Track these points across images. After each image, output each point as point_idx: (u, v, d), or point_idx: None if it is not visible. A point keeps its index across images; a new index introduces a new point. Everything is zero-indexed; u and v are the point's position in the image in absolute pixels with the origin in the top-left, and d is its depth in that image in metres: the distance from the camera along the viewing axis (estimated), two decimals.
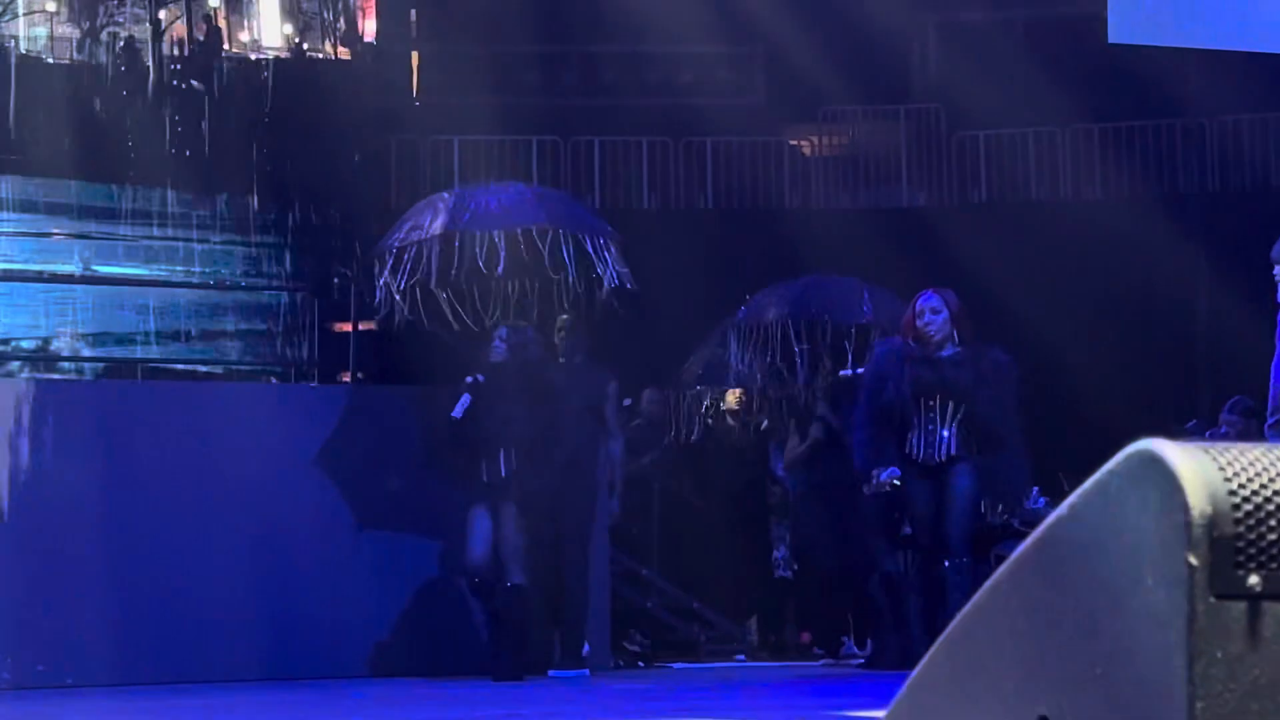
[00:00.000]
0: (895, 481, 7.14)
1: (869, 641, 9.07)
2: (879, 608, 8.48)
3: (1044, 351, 12.97)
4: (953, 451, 7.01)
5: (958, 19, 16.45)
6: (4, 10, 16.95)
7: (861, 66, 15.69)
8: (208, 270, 16.15)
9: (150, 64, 16.66)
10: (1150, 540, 1.11)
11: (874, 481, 7.23)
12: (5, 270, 15.75)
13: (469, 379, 7.68)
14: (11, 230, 15.86)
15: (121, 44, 16.89)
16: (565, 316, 8.21)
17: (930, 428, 7.00)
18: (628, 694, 7.21)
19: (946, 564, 7.02)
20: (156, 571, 7.61)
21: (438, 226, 8.11)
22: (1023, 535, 9.09)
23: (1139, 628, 1.11)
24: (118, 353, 15.87)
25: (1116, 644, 1.12)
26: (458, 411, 7.51)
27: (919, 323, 7.18)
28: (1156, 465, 1.11)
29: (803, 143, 16.61)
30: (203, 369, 15.69)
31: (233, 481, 7.76)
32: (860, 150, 16.34)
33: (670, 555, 10.29)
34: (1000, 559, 10.11)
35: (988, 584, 1.26)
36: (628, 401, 9.74)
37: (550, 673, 7.80)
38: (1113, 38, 8.82)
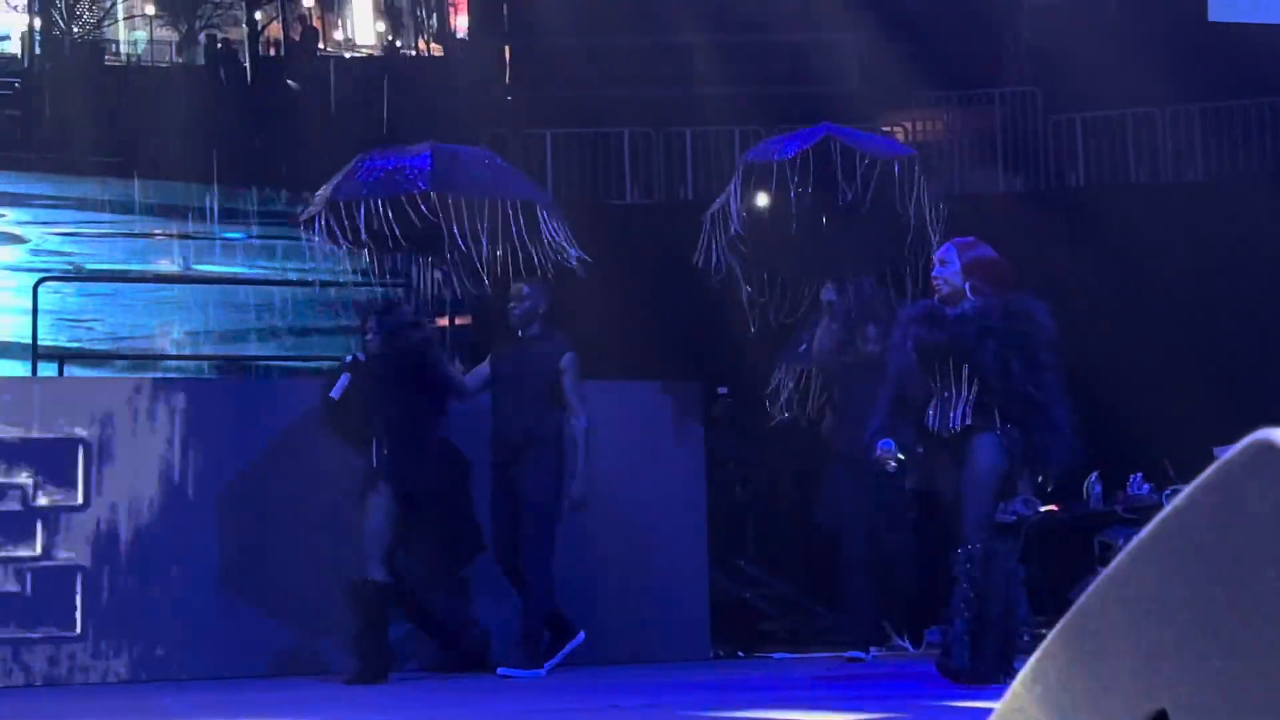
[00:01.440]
0: (894, 459, 6.41)
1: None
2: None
3: (1147, 335, 12.79)
4: (967, 420, 6.12)
5: (1052, 0, 16.24)
6: (104, 15, 17.26)
7: (954, 51, 15.53)
8: (304, 267, 16.34)
9: (247, 64, 16.88)
10: (1270, 531, 1.09)
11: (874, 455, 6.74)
12: (109, 270, 16.05)
13: (348, 358, 7.39)
14: (115, 231, 16.16)
15: (219, 45, 17.13)
16: (519, 286, 7.75)
17: (946, 394, 6.15)
18: (726, 685, 7.19)
19: (958, 551, 6.25)
20: (261, 565, 7.71)
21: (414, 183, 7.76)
22: (1127, 522, 8.91)
23: (1259, 620, 1.09)
24: (217, 350, 16.10)
25: (1236, 637, 1.10)
26: (335, 391, 7.17)
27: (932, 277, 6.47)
28: (1277, 454, 1.09)
29: (896, 129, 16.49)
30: (298, 365, 15.88)
31: (334, 476, 7.84)
32: (954, 136, 16.19)
33: (768, 545, 10.27)
34: (1105, 546, 10.00)
35: (1104, 574, 1.24)
36: (723, 390, 9.67)
37: (499, 670, 7.33)
38: (1213, 16, 8.67)
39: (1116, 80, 14.88)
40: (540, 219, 7.99)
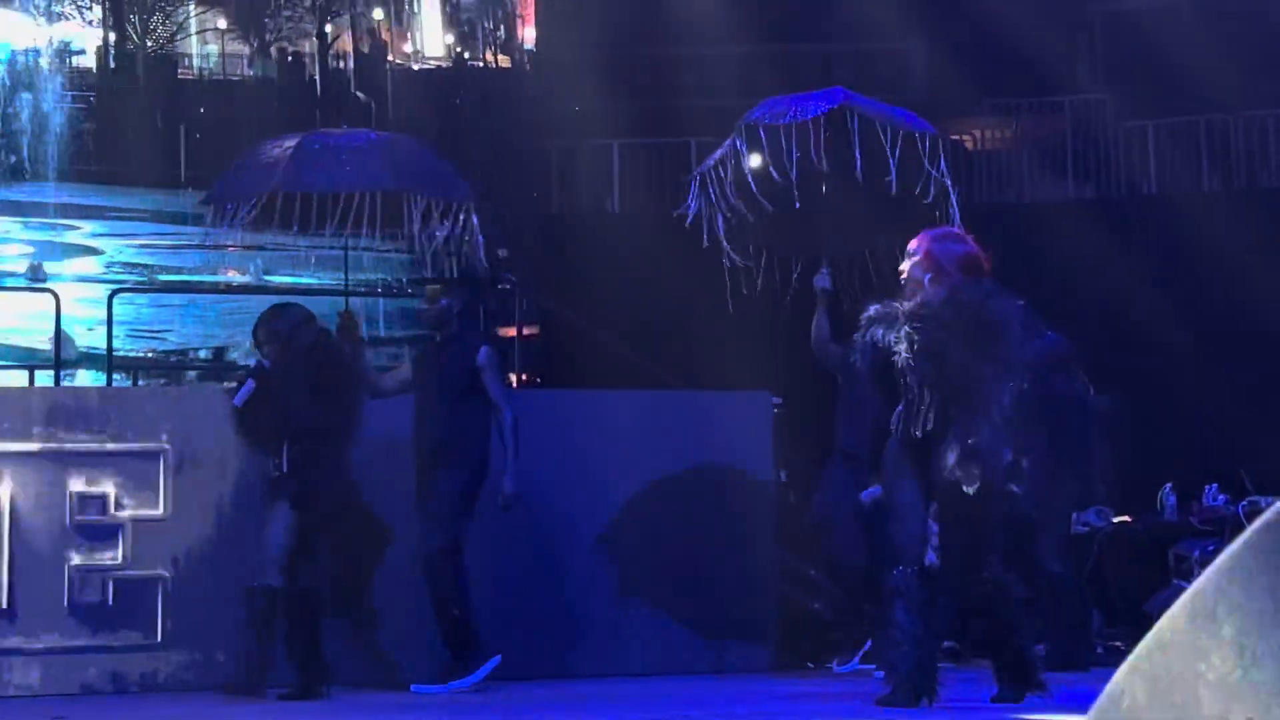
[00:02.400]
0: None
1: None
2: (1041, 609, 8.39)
3: (1223, 345, 12.64)
4: (928, 426, 5.65)
5: (1122, 6, 16.11)
6: (177, 30, 17.47)
7: (1023, 58, 15.45)
8: (375, 278, 16.45)
9: (317, 77, 17.04)
10: None
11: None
12: (184, 282, 16.23)
13: (254, 363, 7.07)
14: (187, 243, 16.35)
15: (289, 59, 17.32)
16: (434, 287, 7.50)
17: (910, 396, 5.67)
18: (794, 695, 7.17)
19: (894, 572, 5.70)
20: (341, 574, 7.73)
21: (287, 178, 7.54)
22: (1202, 534, 8.75)
23: None
24: None
25: None
26: (239, 398, 6.88)
27: None
28: None
29: (965, 138, 16.41)
30: None
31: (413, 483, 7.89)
32: (1023, 144, 16.08)
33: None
34: (1180, 558, 9.87)
35: (1190, 588, 1.23)
36: (777, 400, 9.61)
37: (412, 687, 7.04)
38: None
39: (1189, 86, 14.74)
40: (458, 216, 7.80)
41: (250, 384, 6.86)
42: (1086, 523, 10.12)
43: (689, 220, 7.95)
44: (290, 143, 7.74)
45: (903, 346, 5.54)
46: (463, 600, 7.09)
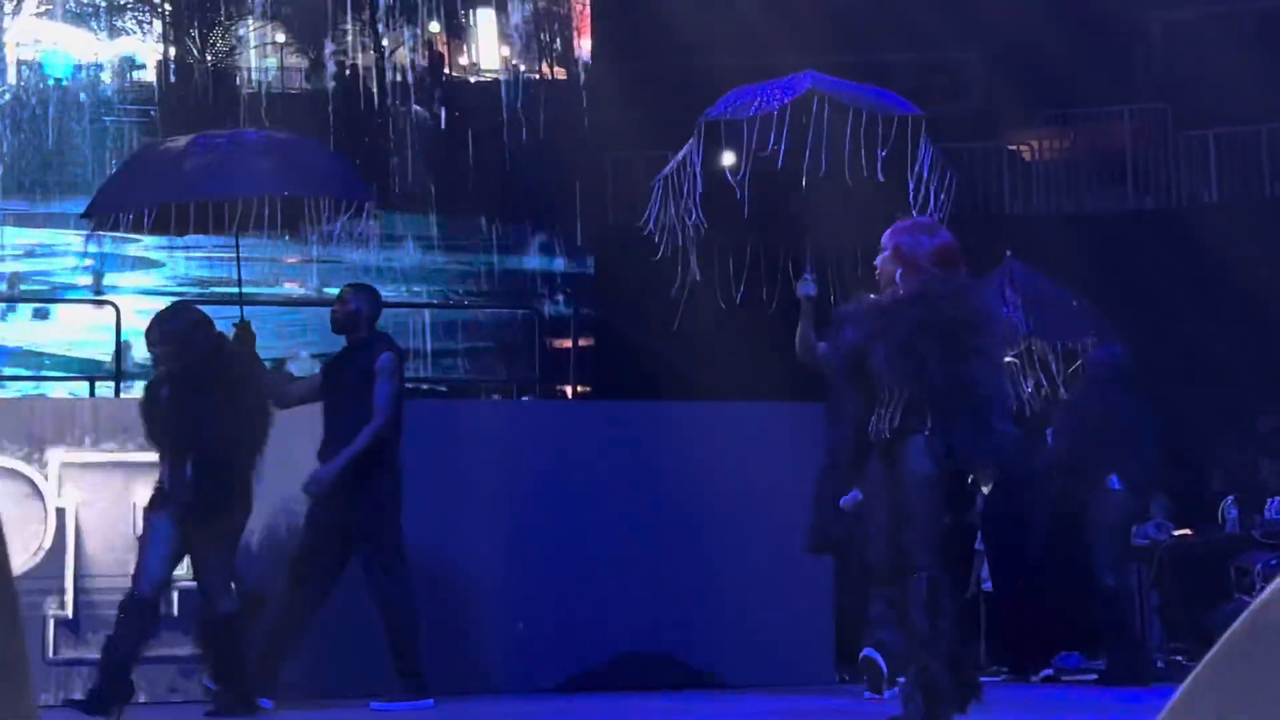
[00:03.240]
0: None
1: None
2: (1104, 624, 8.35)
3: None
4: (895, 423, 5.34)
5: (1183, 14, 15.97)
6: (236, 43, 17.63)
7: (1082, 67, 15.33)
8: (433, 290, 16.54)
9: (375, 90, 17.16)
10: None
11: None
12: (240, 293, 16.32)
13: (154, 378, 6.65)
14: (248, 255, 16.46)
15: (347, 72, 17.45)
16: (345, 289, 7.31)
17: (882, 395, 5.41)
18: (852, 710, 7.13)
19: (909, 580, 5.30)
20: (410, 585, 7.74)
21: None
22: (1264, 547, 8.62)
23: None
24: None
25: None
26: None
27: None
28: None
29: (1023, 148, 16.30)
30: (424, 387, 16.05)
31: (483, 496, 7.91)
32: (1083, 154, 15.96)
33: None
34: (1241, 572, 9.74)
35: (1255, 601, 1.21)
36: None
37: (371, 705, 6.85)
38: None
39: (1249, 94, 14.59)
40: (360, 214, 7.63)
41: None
42: (1147, 536, 10.02)
43: (650, 230, 7.57)
44: (177, 146, 7.55)
45: (874, 345, 5.33)
46: (412, 618, 6.87)
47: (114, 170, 8.02)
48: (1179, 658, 9.49)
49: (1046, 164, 16.16)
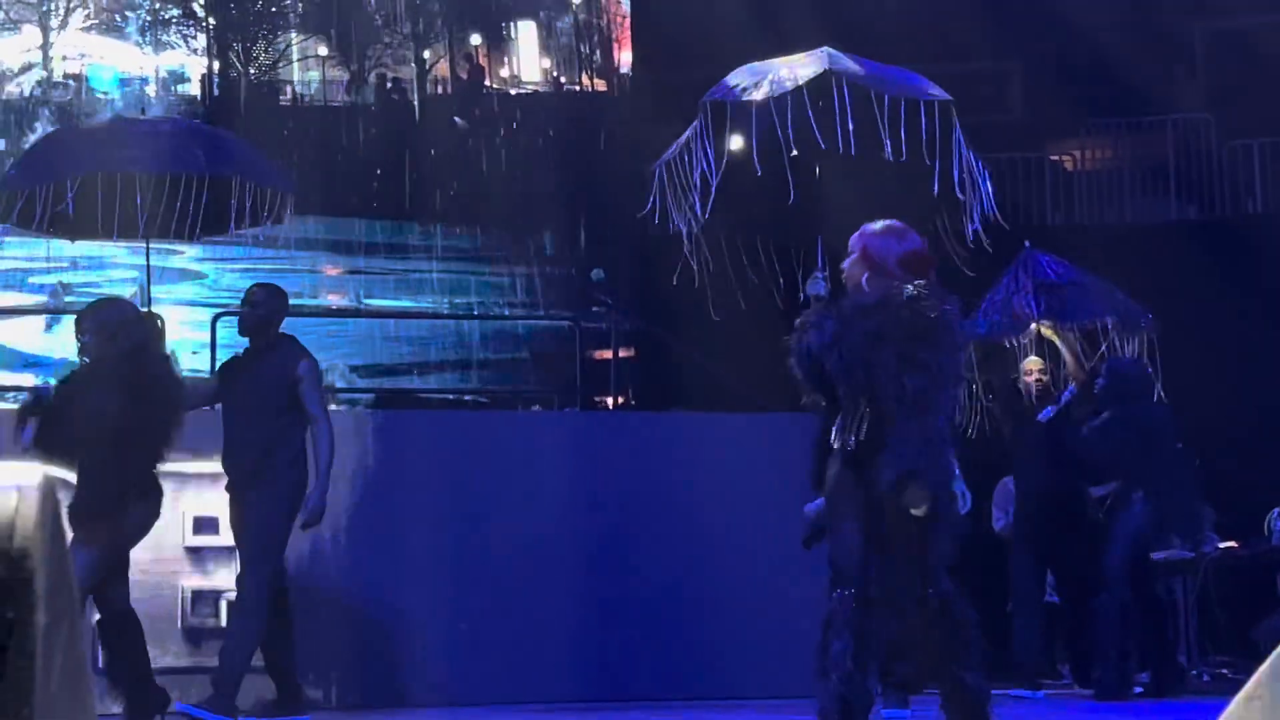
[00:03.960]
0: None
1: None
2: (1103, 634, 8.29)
3: None
4: (862, 436, 5.18)
5: (1227, 23, 15.86)
6: (279, 57, 17.75)
7: (1124, 77, 15.24)
8: (473, 301, 16.59)
9: (416, 102, 17.23)
10: None
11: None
12: (298, 307, 16.42)
13: (36, 391, 6.38)
14: (290, 267, 16.55)
15: (388, 85, 17.53)
16: (252, 290, 7.09)
17: (846, 405, 5.27)
18: None
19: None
20: (459, 597, 7.77)
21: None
22: None
23: None
24: (387, 383, 16.39)
25: None
26: (25, 439, 6.16)
27: None
28: None
29: (1064, 158, 16.22)
30: (468, 398, 16.08)
31: (541, 506, 7.92)
32: (1125, 164, 15.86)
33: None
34: None
35: None
36: None
37: (177, 705, 6.60)
38: None
39: None
40: (275, 206, 7.41)
41: (31, 427, 6.18)
42: (1193, 548, 9.94)
43: (656, 219, 7.19)
44: (98, 125, 7.38)
45: (833, 353, 5.15)
46: (262, 624, 6.60)
47: (30, 148, 7.64)
48: (1225, 671, 9.42)
49: (1089, 174, 16.07)
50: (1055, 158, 16.20)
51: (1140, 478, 8.39)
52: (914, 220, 6.28)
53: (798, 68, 6.89)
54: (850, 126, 6.64)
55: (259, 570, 6.56)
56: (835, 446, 5.21)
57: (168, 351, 6.67)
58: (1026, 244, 9.54)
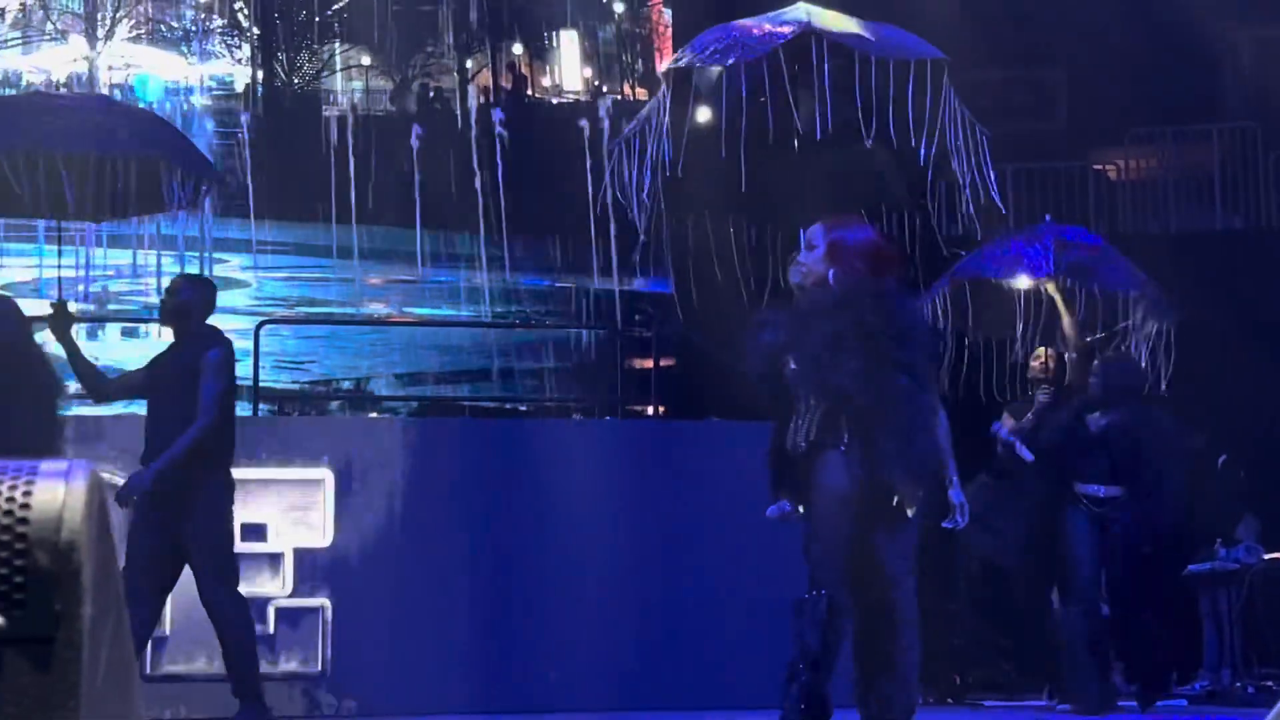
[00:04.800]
0: (790, 518, 5.25)
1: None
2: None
3: None
4: (812, 436, 4.98)
5: (1273, 31, 15.74)
6: (322, 67, 17.85)
7: (1169, 86, 15.15)
8: (513, 310, 16.62)
9: (458, 112, 17.28)
10: None
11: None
12: (326, 314, 16.52)
13: None
14: (332, 276, 16.64)
15: (431, 94, 17.61)
16: (175, 279, 6.78)
17: (800, 405, 5.01)
18: None
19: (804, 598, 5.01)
20: (500, 603, 7.78)
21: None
22: None
23: None
24: (429, 391, 16.45)
25: None
26: None
27: None
28: None
29: (1108, 167, 16.13)
30: (508, 405, 16.11)
31: (571, 515, 7.92)
32: (1170, 173, 15.76)
33: (977, 588, 10.02)
34: None
35: None
36: None
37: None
38: None
39: None
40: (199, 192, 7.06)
41: None
42: (1237, 559, 9.86)
43: (610, 199, 6.59)
44: (16, 99, 6.97)
45: (791, 353, 4.96)
46: (250, 633, 6.43)
47: None
48: (1270, 683, 9.34)
49: (1133, 183, 15.98)
50: (1099, 167, 16.12)
51: (1138, 483, 7.89)
52: (898, 203, 6.03)
53: (772, 25, 6.20)
54: (828, 98, 5.99)
55: (212, 563, 6.34)
56: (794, 448, 5.02)
57: (38, 343, 6.42)
58: (1048, 217, 8.91)
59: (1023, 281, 8.20)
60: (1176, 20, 14.69)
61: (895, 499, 4.93)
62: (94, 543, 1.39)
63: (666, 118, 6.30)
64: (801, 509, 5.15)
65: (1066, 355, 8.23)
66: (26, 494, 1.35)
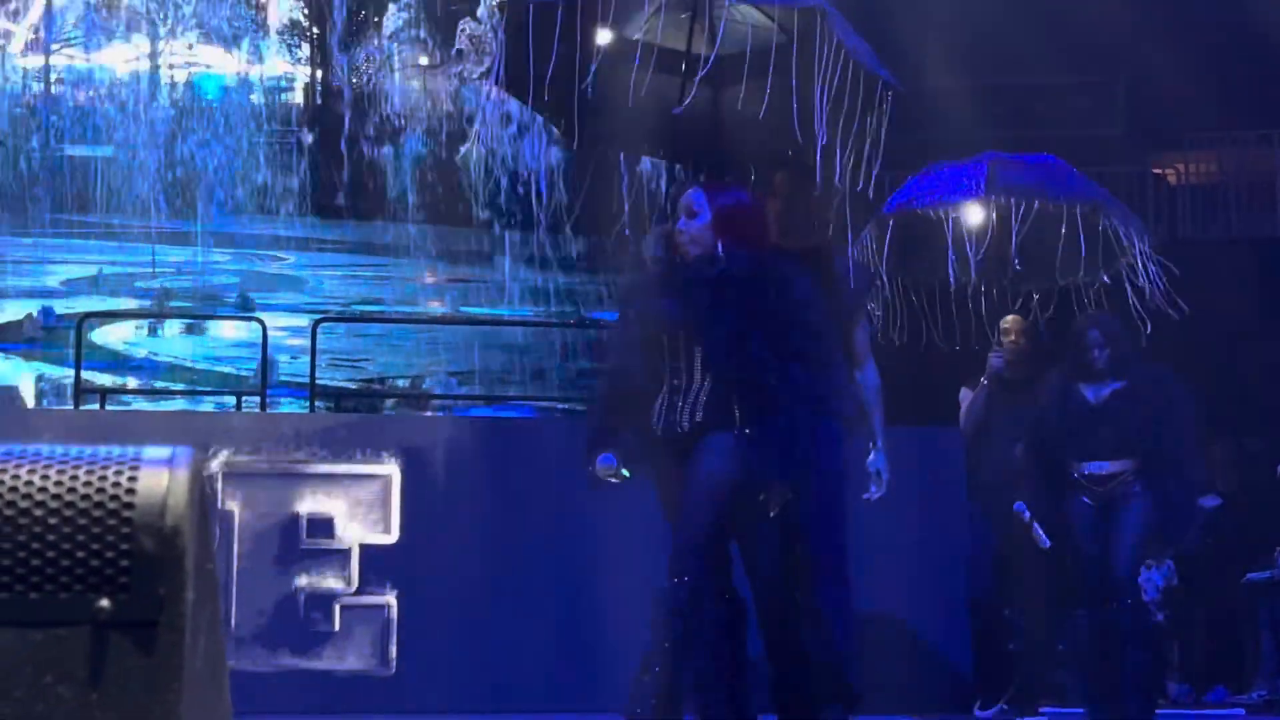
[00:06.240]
0: (615, 476, 4.96)
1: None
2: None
3: None
4: (698, 418, 4.69)
5: None
6: (380, 67, 17.95)
7: (1229, 90, 15.03)
8: (569, 309, 16.66)
9: (514, 111, 17.34)
10: None
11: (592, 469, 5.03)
12: (380, 312, 16.62)
13: None
14: (388, 274, 16.73)
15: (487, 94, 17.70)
16: None
17: (676, 384, 4.73)
18: None
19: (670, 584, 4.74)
20: (573, 601, 7.78)
21: None
22: None
23: None
24: (483, 390, 16.50)
25: None
26: None
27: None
28: None
29: (1167, 172, 16.01)
30: (562, 406, 16.15)
31: (637, 514, 7.93)
32: (1230, 178, 15.63)
33: (1035, 593, 9.95)
34: None
35: None
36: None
37: None
38: None
39: None
40: None
41: None
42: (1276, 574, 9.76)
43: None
44: None
45: (686, 328, 4.64)
46: None
47: None
48: None
49: (1193, 188, 15.86)
50: (1158, 171, 16.00)
51: (1147, 462, 6.80)
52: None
53: None
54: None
55: None
56: (670, 425, 4.72)
57: None
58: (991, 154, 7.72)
59: (954, 207, 7.29)
60: (1235, 24, 14.57)
61: (762, 495, 4.66)
62: (196, 529, 1.42)
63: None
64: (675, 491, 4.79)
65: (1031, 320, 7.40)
66: (132, 479, 1.38)
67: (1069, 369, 6.91)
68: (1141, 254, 7.21)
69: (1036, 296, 7.70)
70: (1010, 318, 7.57)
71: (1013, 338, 7.59)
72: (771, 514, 4.65)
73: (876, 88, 5.44)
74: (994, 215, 7.24)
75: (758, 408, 4.53)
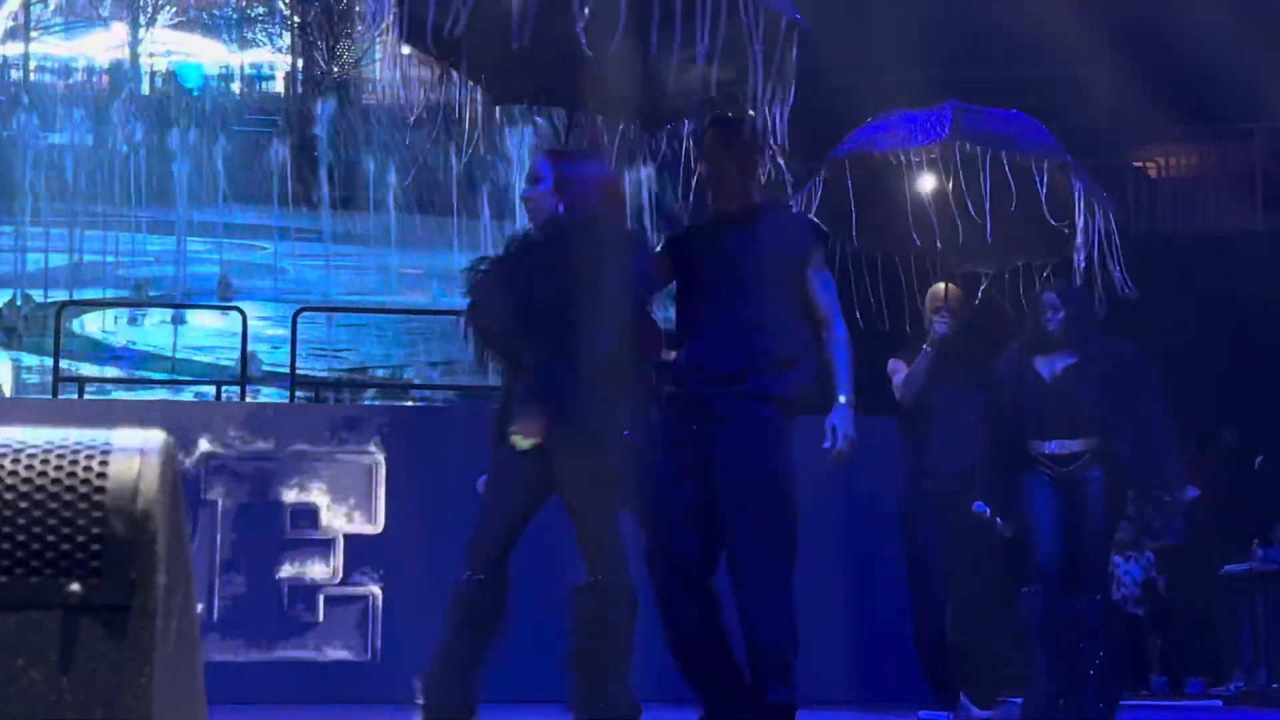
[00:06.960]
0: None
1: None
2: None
3: None
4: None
5: None
6: (361, 55, 17.91)
7: (1209, 85, 15.08)
8: None
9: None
10: None
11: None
12: (363, 302, 16.59)
13: None
14: (371, 265, 16.70)
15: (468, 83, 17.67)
16: None
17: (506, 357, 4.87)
18: None
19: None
20: (546, 590, 7.75)
21: None
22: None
23: None
24: (464, 380, 16.48)
25: None
26: None
27: None
28: None
29: (1148, 165, 16.06)
30: None
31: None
32: (1210, 172, 15.69)
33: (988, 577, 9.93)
34: None
35: None
36: None
37: None
38: None
39: None
40: None
41: None
42: (1275, 560, 9.79)
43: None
44: None
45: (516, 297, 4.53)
46: None
47: None
48: None
49: (1173, 181, 15.91)
50: (1139, 164, 16.05)
51: (1108, 442, 6.40)
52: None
53: None
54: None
55: None
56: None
57: None
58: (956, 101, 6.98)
59: (916, 151, 6.57)
60: (1218, 18, 14.61)
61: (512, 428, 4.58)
62: (167, 513, 1.41)
63: None
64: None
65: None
66: (103, 464, 1.37)
67: (1025, 343, 6.51)
68: (1104, 224, 6.57)
69: (987, 275, 7.22)
70: (940, 284, 6.89)
71: (947, 303, 6.85)
72: (526, 446, 4.59)
73: (779, 24, 4.77)
74: (959, 162, 6.45)
75: (543, 359, 4.49)
